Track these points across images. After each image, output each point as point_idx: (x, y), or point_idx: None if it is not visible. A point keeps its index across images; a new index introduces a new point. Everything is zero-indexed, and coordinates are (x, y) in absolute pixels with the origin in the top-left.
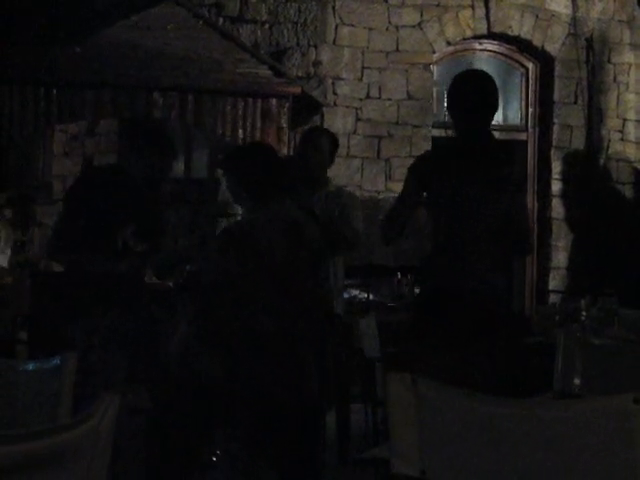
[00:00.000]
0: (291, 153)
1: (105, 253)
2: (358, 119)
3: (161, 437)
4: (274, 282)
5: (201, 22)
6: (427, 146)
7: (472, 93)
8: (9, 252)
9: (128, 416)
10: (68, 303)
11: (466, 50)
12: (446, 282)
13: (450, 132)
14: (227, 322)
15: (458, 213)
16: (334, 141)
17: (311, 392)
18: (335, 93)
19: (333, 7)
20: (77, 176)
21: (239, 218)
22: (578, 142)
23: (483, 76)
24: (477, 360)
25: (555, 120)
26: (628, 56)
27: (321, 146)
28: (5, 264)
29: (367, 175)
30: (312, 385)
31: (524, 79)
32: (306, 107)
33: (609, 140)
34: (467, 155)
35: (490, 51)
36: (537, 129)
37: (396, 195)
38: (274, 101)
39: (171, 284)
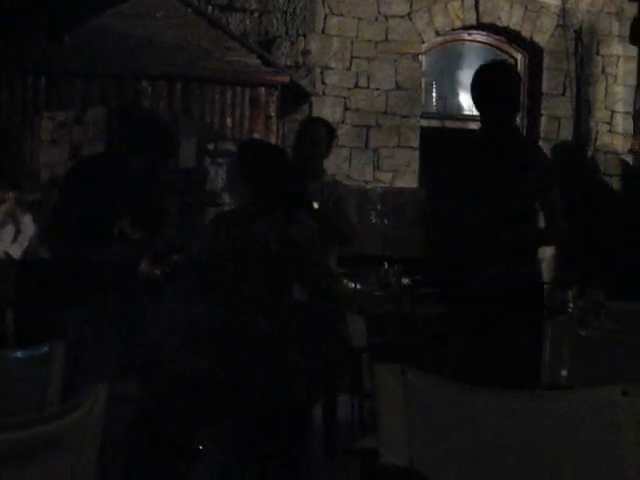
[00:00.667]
0: (279, 142)
1: (100, 242)
2: (346, 109)
3: (149, 427)
4: (266, 280)
5: (190, 10)
6: (415, 136)
7: (509, 83)
8: (26, 243)
9: (117, 405)
10: (59, 292)
11: (455, 40)
12: (470, 275)
13: (438, 123)
14: (219, 321)
15: (484, 206)
16: (331, 131)
17: (300, 392)
18: (324, 82)
19: None
20: (72, 165)
21: (226, 208)
22: (566, 134)
23: (512, 67)
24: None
25: (543, 111)
26: (617, 48)
27: (318, 138)
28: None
29: (355, 165)
30: (301, 385)
31: None
32: (295, 96)
33: (597, 132)
34: (496, 147)
35: (479, 42)
36: (525, 120)
37: (384, 185)
38: (263, 90)
39: (158, 272)
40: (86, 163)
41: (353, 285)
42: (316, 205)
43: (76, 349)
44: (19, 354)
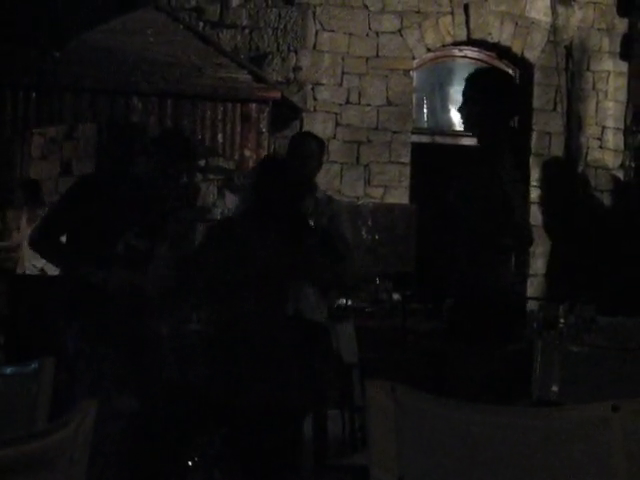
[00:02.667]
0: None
1: (103, 261)
2: (338, 124)
3: (145, 440)
4: (263, 291)
5: (181, 27)
6: (406, 152)
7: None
8: None
9: (111, 420)
10: (59, 305)
11: (446, 56)
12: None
13: (429, 138)
14: (215, 330)
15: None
16: (321, 145)
17: (292, 401)
18: (315, 98)
19: (313, 13)
20: (76, 181)
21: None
22: (557, 149)
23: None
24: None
25: (534, 127)
26: (607, 64)
27: (315, 153)
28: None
29: (346, 180)
30: (294, 395)
31: None
32: (286, 112)
33: (588, 147)
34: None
35: (470, 58)
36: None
37: (375, 200)
38: (254, 106)
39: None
40: (86, 181)
41: (345, 300)
42: (311, 222)
43: (75, 362)
44: (8, 370)
